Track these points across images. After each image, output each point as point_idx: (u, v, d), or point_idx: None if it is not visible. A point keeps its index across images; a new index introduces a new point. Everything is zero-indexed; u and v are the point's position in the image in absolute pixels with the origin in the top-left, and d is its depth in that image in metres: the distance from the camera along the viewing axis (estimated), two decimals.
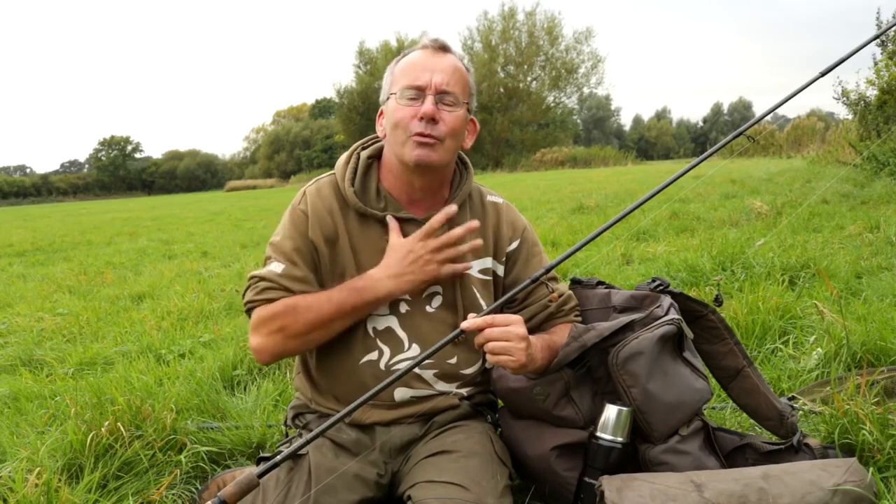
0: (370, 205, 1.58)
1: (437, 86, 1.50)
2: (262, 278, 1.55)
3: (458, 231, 1.53)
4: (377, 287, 1.52)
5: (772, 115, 1.65)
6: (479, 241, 1.60)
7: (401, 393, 1.60)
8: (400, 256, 1.52)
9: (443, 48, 1.55)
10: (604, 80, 58.55)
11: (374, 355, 1.59)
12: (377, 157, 1.64)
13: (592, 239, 1.55)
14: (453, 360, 1.63)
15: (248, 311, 1.58)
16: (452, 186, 1.65)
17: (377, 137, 1.67)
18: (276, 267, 1.55)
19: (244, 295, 1.59)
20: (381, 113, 1.62)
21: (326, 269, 1.59)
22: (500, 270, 1.68)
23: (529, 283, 1.52)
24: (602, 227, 1.57)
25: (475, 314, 1.45)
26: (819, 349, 2.34)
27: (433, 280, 1.55)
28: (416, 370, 1.58)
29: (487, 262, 1.66)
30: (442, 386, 1.63)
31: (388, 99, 1.57)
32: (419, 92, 1.50)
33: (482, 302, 1.63)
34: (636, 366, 1.46)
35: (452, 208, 1.55)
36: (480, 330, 1.41)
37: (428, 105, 1.49)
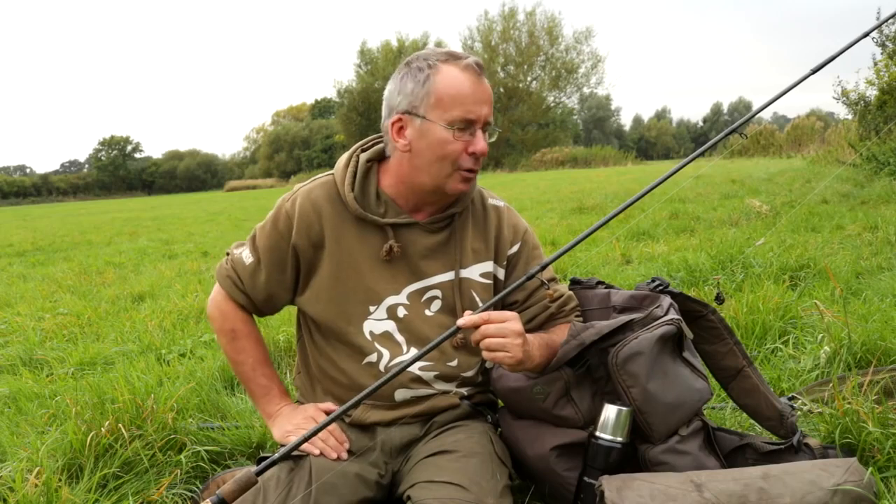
0: (370, 210, 1.56)
1: (485, 118, 1.48)
2: (234, 262, 1.64)
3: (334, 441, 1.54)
4: (267, 418, 1.66)
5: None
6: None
7: (401, 393, 1.60)
8: (300, 417, 1.59)
9: (482, 69, 1.49)
10: (604, 80, 58.70)
11: (373, 357, 1.59)
12: (376, 159, 1.61)
13: (587, 236, 1.54)
14: (454, 363, 1.63)
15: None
16: None
17: (375, 139, 1.62)
18: (247, 258, 1.62)
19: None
20: (400, 121, 1.49)
21: (306, 271, 1.60)
22: (501, 274, 1.67)
23: (526, 279, 1.48)
24: (596, 224, 1.56)
25: (471, 311, 1.45)
26: (826, 348, 2.34)
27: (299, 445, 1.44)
28: (417, 372, 1.59)
29: (489, 265, 1.65)
30: (442, 385, 1.63)
31: (423, 118, 1.46)
32: (470, 124, 1.46)
33: (481, 306, 1.61)
34: (636, 366, 1.46)
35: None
36: (477, 327, 1.40)
37: (483, 143, 1.47)
